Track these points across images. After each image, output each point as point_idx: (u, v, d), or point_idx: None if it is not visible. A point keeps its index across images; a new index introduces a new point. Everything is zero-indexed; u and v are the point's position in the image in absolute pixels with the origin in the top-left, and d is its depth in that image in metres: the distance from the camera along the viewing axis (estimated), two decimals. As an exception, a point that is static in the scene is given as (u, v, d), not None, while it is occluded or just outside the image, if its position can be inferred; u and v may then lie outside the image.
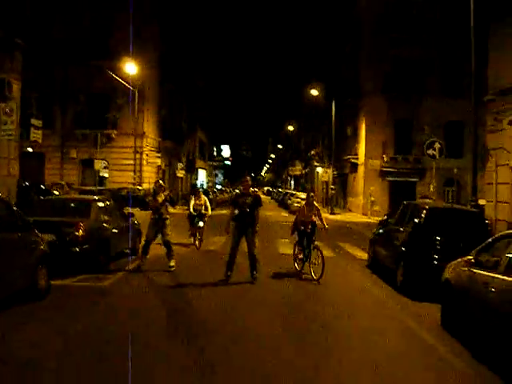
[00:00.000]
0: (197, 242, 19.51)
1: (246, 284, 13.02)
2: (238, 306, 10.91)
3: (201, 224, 19.61)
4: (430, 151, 24.44)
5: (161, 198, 14.82)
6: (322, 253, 13.95)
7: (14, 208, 10.47)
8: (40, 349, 7.58)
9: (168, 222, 14.83)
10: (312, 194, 15.86)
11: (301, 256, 14.76)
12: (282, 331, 9.05)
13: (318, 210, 15.16)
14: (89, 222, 13.69)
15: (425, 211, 13.53)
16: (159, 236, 14.79)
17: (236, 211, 13.54)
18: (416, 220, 13.64)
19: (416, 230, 13.44)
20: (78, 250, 13.03)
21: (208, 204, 20.22)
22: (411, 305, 11.73)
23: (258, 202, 13.56)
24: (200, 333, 8.69)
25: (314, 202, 15.15)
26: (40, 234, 11.00)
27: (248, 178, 14.06)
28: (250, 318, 9.91)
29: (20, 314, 9.40)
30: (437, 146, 24.41)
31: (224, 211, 48.06)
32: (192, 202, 20.09)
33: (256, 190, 13.88)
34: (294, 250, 15.35)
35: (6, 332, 8.30)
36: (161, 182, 16.18)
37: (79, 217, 13.70)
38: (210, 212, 20.35)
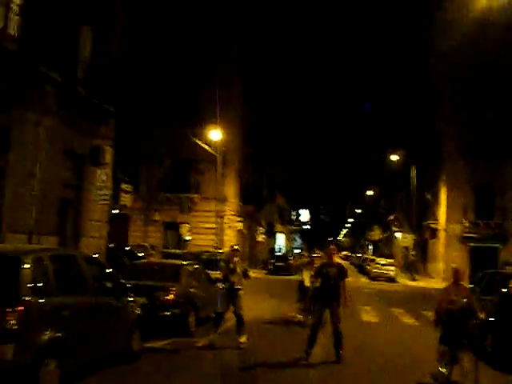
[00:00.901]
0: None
1: (331, 365, 11.58)
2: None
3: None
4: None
5: (234, 266, 13.44)
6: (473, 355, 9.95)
7: (113, 272, 10.95)
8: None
9: (242, 292, 13.46)
10: (456, 267, 11.24)
11: (447, 358, 10.19)
12: None
13: (467, 290, 11.08)
14: (179, 286, 14.09)
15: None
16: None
17: (318, 283, 12.47)
18: (504, 290, 13.47)
19: (504, 299, 13.27)
20: (168, 314, 13.41)
21: None
22: (500, 376, 11.51)
23: (343, 273, 12.38)
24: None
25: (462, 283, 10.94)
26: (134, 298, 11.43)
27: (333, 246, 13.22)
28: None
29: (116, 375, 9.77)
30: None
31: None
32: (307, 274, 16.66)
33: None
34: (439, 348, 10.57)
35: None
36: (236, 246, 14.81)
37: (170, 281, 14.12)
38: None
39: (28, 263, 7.79)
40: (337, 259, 12.79)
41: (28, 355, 7.32)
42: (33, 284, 7.74)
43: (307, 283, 16.26)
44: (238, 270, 13.40)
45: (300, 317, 16.97)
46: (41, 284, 7.95)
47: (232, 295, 13.27)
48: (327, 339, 12.37)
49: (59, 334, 7.95)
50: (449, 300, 10.37)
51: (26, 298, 7.47)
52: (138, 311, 11.31)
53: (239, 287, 13.38)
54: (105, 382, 9.21)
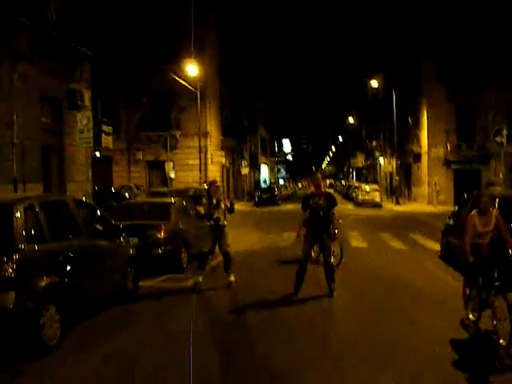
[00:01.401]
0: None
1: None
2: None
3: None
4: (498, 138, 23.94)
5: (217, 202, 12.72)
6: (506, 298, 7.79)
7: (104, 214, 11.03)
8: (142, 346, 8.16)
9: (227, 229, 12.86)
10: (488, 193, 10.04)
11: (475, 302, 8.93)
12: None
13: (498, 219, 8.89)
14: (169, 224, 14.23)
15: (498, 200, 13.50)
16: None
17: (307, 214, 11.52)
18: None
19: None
20: (160, 251, 13.59)
21: None
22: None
23: (332, 202, 11.59)
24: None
25: (494, 210, 9.03)
26: (127, 238, 11.55)
27: (318, 175, 12.40)
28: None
29: (114, 314, 9.97)
30: (504, 132, 24.00)
31: (289, 206, 48.85)
32: None
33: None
34: (464, 291, 9.53)
35: (105, 331, 8.87)
36: (218, 183, 14.14)
37: (160, 219, 14.25)
38: None
39: (20, 211, 7.84)
40: (325, 188, 12.26)
41: (28, 302, 7.44)
42: (27, 232, 7.82)
43: None
44: (222, 205, 12.73)
45: None
46: (34, 231, 8.03)
47: (217, 232, 12.63)
48: (318, 272, 12.16)
49: (56, 279, 8.07)
50: (475, 233, 8.76)
51: (22, 246, 7.55)
52: (131, 251, 11.45)
53: (224, 223, 12.72)
54: (102, 323, 9.36)
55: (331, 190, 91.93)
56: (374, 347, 8.01)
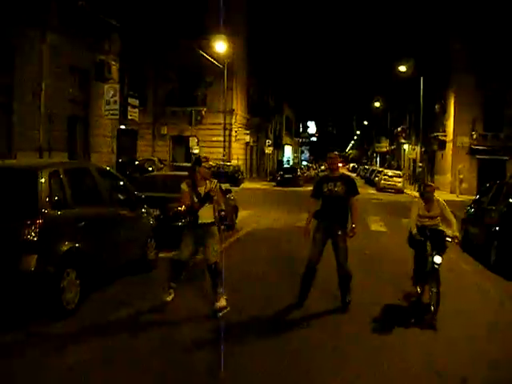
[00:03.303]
0: None
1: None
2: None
3: None
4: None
5: (206, 189, 8.53)
6: (438, 280, 8.54)
7: (126, 184, 11.17)
8: (161, 312, 8.35)
9: (215, 229, 8.71)
10: (429, 184, 9.97)
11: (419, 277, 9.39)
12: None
13: (444, 208, 9.45)
14: (191, 197, 14.29)
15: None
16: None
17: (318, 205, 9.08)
18: (511, 200, 13.64)
19: (510, 208, 13.45)
20: (180, 224, 13.70)
21: None
22: (503, 283, 11.78)
23: (352, 188, 9.01)
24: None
25: (435, 196, 9.50)
26: (148, 210, 11.70)
27: (335, 153, 9.42)
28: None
29: (135, 282, 10.18)
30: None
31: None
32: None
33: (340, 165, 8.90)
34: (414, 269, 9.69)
35: (127, 298, 9.04)
36: (210, 162, 9.11)
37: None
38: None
39: (45, 177, 7.97)
40: (343, 170, 11.10)
41: (49, 265, 7.59)
42: (50, 197, 7.96)
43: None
44: (215, 196, 8.60)
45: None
46: (58, 197, 8.18)
47: (199, 236, 8.59)
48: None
49: (78, 245, 8.22)
50: (423, 215, 9.33)
51: (45, 211, 7.70)
52: (152, 222, 11.58)
53: (211, 221, 8.62)
54: (121, 291, 9.53)
55: (353, 175, 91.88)
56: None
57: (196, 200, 8.49)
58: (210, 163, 9.21)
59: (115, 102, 19.86)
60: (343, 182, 8.86)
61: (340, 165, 10.25)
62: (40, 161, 11.74)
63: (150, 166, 35.02)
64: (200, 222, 8.47)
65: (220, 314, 8.21)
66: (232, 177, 40.50)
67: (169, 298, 8.53)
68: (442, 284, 8.52)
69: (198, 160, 8.88)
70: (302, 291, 8.96)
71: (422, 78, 47.55)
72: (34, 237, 7.43)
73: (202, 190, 8.53)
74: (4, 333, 7.11)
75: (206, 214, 8.52)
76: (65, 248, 7.93)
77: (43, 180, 7.92)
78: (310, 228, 8.92)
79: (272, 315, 8.55)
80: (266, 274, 11.43)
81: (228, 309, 8.34)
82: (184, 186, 8.71)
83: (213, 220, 8.61)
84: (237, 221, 18.30)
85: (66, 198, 8.35)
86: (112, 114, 20.17)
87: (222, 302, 8.36)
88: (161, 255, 12.04)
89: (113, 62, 22.25)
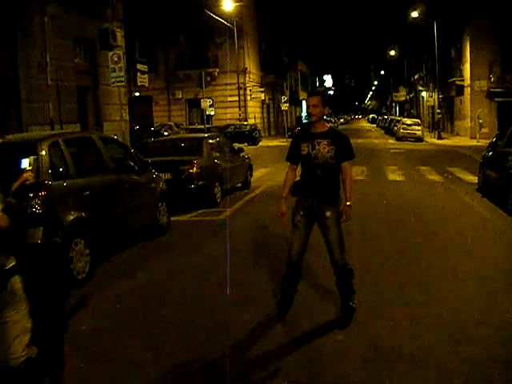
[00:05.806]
0: None
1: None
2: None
3: None
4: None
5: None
6: None
7: (133, 151, 11.12)
8: (172, 275, 8.35)
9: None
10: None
11: None
12: None
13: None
14: (202, 159, 14.28)
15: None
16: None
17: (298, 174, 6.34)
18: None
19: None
20: (193, 186, 13.69)
21: None
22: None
23: (343, 150, 6.09)
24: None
25: None
26: (158, 174, 11.66)
27: (317, 96, 6.14)
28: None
29: (148, 247, 10.18)
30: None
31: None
32: None
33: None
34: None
35: (140, 263, 9.09)
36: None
37: (192, 155, 14.32)
38: None
39: (45, 149, 7.93)
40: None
41: (56, 237, 7.61)
42: (52, 168, 7.93)
43: None
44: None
45: None
46: (60, 168, 8.16)
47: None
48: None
49: (83, 214, 8.21)
50: None
51: (47, 183, 7.68)
52: (163, 186, 11.54)
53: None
54: (133, 257, 9.55)
55: (373, 126, 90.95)
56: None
57: None
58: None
59: (120, 69, 19.66)
60: (331, 141, 6.01)
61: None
62: (40, 133, 11.67)
63: (166, 131, 34.96)
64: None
65: None
66: (249, 136, 40.38)
67: None
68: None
69: None
70: (282, 299, 6.43)
71: (435, 23, 46.62)
72: (38, 209, 7.42)
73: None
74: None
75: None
76: (71, 218, 7.93)
77: (43, 152, 7.87)
78: (286, 208, 6.23)
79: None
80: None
81: None
82: None
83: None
84: (252, 179, 18.27)
85: (69, 168, 8.31)
86: (118, 82, 19.98)
87: None
88: (174, 218, 12.06)
89: (117, 29, 22.02)
